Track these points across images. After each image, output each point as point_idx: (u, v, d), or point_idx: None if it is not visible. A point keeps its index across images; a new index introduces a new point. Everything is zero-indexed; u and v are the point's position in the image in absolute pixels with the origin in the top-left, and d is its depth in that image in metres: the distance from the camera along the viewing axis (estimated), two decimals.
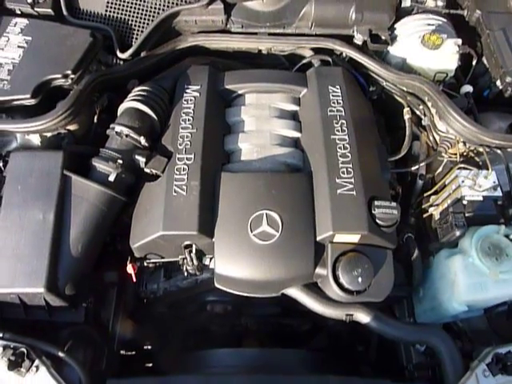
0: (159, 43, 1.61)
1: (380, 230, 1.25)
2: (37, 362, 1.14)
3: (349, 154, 1.32)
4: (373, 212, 1.24)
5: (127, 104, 1.39)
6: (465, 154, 1.45)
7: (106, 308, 1.45)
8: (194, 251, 1.28)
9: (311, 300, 1.28)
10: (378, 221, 1.24)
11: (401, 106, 1.60)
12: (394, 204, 1.25)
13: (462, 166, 1.36)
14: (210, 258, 1.34)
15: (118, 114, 1.40)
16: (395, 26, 1.67)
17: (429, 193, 1.48)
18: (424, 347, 1.43)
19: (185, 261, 1.31)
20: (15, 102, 1.41)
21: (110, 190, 1.28)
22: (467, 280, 1.24)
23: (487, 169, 1.35)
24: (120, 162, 1.30)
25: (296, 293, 1.29)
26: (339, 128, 1.38)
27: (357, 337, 1.83)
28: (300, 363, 1.40)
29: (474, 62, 1.58)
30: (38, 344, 1.18)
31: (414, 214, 1.52)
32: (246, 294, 1.32)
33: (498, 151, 1.40)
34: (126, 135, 1.34)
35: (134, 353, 1.77)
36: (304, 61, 1.64)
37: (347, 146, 1.34)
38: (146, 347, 1.90)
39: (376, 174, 1.36)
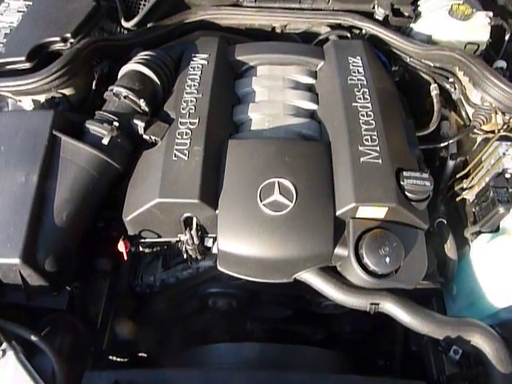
0: (167, 16, 1.52)
1: (410, 204, 1.08)
2: (4, 345, 0.98)
3: (373, 122, 1.18)
4: (401, 183, 1.08)
5: (128, 66, 1.27)
6: (502, 130, 1.29)
7: (95, 302, 1.28)
8: (194, 226, 1.11)
9: (329, 286, 1.09)
10: (407, 193, 1.08)
11: (426, 86, 1.46)
12: (426, 175, 1.10)
13: (504, 133, 1.19)
14: (213, 239, 1.17)
15: (119, 77, 1.28)
16: (418, 3, 1.56)
17: (461, 174, 1.31)
18: (459, 355, 1.22)
19: (184, 240, 1.15)
20: (9, 66, 1.31)
21: (103, 153, 1.13)
22: None
23: None
24: (116, 124, 1.16)
25: (311, 278, 1.11)
26: (361, 96, 1.24)
27: (377, 348, 1.62)
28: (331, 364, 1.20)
29: (506, 37, 1.45)
30: (8, 326, 1.02)
31: (444, 200, 1.36)
32: (253, 279, 1.14)
33: None
34: (125, 97, 1.21)
35: (125, 360, 1.58)
36: (321, 37, 1.53)
37: (370, 113, 1.20)
38: (140, 354, 1.71)
39: (404, 147, 1.21)
